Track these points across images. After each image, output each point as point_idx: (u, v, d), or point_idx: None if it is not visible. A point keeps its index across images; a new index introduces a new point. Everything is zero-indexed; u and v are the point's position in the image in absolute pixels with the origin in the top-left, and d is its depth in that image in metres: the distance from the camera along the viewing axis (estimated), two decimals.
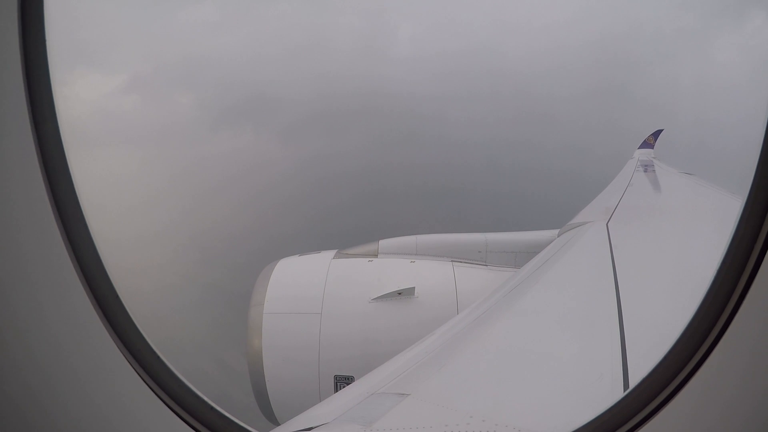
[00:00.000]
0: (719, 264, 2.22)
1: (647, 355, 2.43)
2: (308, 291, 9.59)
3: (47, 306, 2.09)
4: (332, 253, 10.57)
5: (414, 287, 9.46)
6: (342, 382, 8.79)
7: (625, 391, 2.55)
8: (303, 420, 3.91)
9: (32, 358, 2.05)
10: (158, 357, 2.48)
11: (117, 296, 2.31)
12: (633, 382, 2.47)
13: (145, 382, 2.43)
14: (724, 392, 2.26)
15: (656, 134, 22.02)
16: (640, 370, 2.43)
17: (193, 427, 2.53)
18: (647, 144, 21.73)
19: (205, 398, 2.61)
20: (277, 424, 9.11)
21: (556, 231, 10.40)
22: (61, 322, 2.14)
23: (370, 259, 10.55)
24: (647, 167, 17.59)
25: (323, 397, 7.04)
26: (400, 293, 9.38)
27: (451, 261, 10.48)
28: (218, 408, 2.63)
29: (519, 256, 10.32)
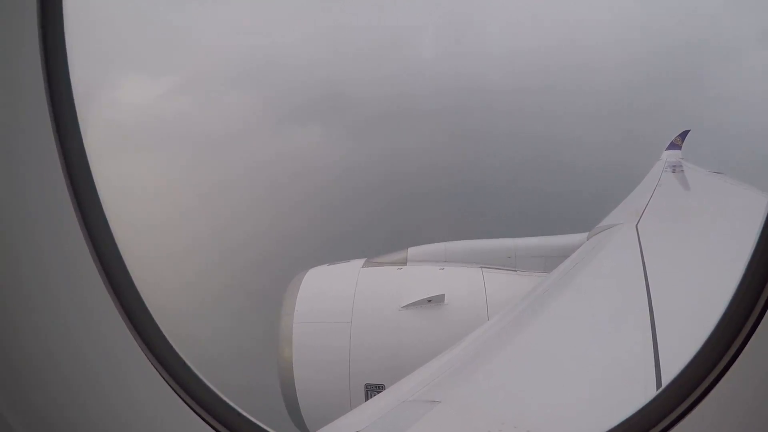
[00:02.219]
0: (747, 262, 2.19)
1: (680, 358, 2.40)
2: (337, 300, 9.61)
3: (66, 305, 2.10)
4: (361, 261, 10.59)
5: (444, 294, 9.43)
6: (373, 390, 8.78)
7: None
8: (334, 428, 3.91)
9: (49, 356, 2.05)
10: (184, 362, 2.47)
11: (139, 296, 2.31)
12: (666, 383, 2.44)
13: (169, 385, 2.42)
14: (757, 389, 2.23)
15: (683, 135, 21.76)
16: (672, 372, 2.40)
17: (217, 430, 2.52)
18: (674, 145, 21.49)
19: (233, 404, 2.60)
20: None
21: (586, 234, 10.33)
22: (80, 322, 2.15)
23: (399, 267, 10.55)
24: (675, 168, 17.42)
25: (354, 406, 7.04)
26: (429, 301, 9.37)
27: (481, 267, 10.44)
28: (248, 415, 2.62)
29: (549, 261, 10.24)
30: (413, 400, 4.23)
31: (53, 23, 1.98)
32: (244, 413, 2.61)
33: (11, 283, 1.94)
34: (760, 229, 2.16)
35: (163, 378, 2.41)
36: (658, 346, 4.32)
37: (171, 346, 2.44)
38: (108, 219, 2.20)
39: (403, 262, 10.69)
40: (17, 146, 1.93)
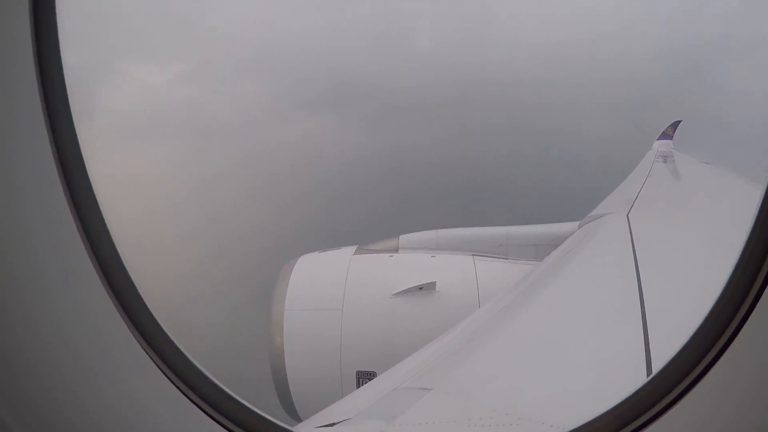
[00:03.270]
0: (741, 251, 2.20)
1: (670, 345, 2.41)
2: (329, 288, 9.61)
3: (63, 301, 2.08)
4: (353, 249, 10.58)
5: (435, 282, 9.44)
6: (364, 377, 8.80)
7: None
8: (326, 416, 3.92)
9: (47, 354, 2.04)
10: (179, 350, 2.46)
11: (136, 290, 2.30)
12: (656, 370, 2.45)
13: (165, 375, 2.40)
14: (748, 378, 2.25)
15: (675, 125, 21.84)
16: (662, 360, 2.41)
17: (218, 422, 2.52)
18: (666, 135, 21.56)
19: (233, 393, 2.59)
20: (299, 420, 9.14)
21: (577, 223, 10.35)
22: (76, 317, 2.13)
23: (391, 254, 10.56)
24: (666, 158, 17.47)
25: (346, 393, 7.05)
26: (421, 288, 9.37)
27: (472, 255, 10.45)
28: (245, 402, 2.62)
29: (540, 249, 10.29)
30: (405, 387, 4.24)
31: (46, 13, 1.96)
32: (244, 402, 2.61)
33: (6, 279, 1.92)
34: (753, 220, 2.17)
35: (162, 371, 2.40)
36: (649, 334, 4.34)
37: (169, 339, 2.43)
38: (103, 212, 2.18)
39: (395, 250, 10.70)
40: (10, 142, 1.91)
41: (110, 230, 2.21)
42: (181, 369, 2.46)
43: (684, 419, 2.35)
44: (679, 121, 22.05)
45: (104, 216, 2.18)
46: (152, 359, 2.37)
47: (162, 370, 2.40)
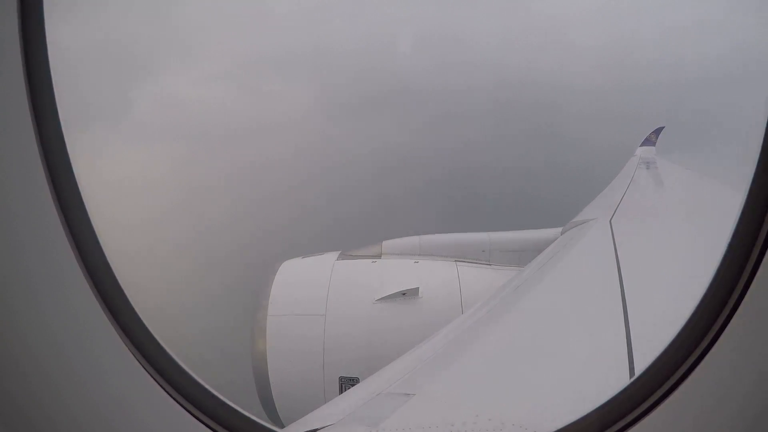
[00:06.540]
0: (722, 255, 2.22)
1: (652, 351, 2.42)
2: (312, 293, 9.60)
3: (49, 303, 2.07)
4: (336, 254, 10.58)
5: (418, 288, 9.46)
6: (347, 383, 8.78)
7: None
8: (308, 421, 3.90)
9: (33, 357, 2.03)
10: (166, 353, 2.45)
11: (123, 292, 2.29)
12: (638, 373, 2.47)
13: (153, 377, 2.40)
14: (727, 381, 2.27)
15: (657, 131, 22.06)
16: (645, 363, 2.43)
17: (205, 424, 2.51)
18: (649, 141, 21.78)
19: (219, 395, 2.59)
20: (281, 426, 9.10)
21: (560, 229, 10.39)
22: (62, 319, 2.12)
23: (374, 260, 10.55)
24: (649, 164, 17.60)
25: (328, 399, 7.03)
26: (404, 294, 9.38)
27: (455, 261, 10.47)
28: (232, 404, 2.61)
29: (523, 255, 10.30)
30: (387, 393, 4.23)
31: (34, 14, 1.94)
32: (231, 403, 2.60)
33: None
34: (735, 225, 2.19)
35: (149, 373, 2.39)
36: (631, 339, 4.36)
37: (155, 341, 2.42)
38: (90, 215, 2.17)
39: (378, 255, 10.69)
40: None
41: (97, 233, 2.20)
42: (167, 371, 2.46)
43: (665, 422, 2.36)
44: (662, 128, 22.28)
45: (91, 219, 2.17)
46: (138, 361, 2.36)
47: (149, 372, 2.40)
